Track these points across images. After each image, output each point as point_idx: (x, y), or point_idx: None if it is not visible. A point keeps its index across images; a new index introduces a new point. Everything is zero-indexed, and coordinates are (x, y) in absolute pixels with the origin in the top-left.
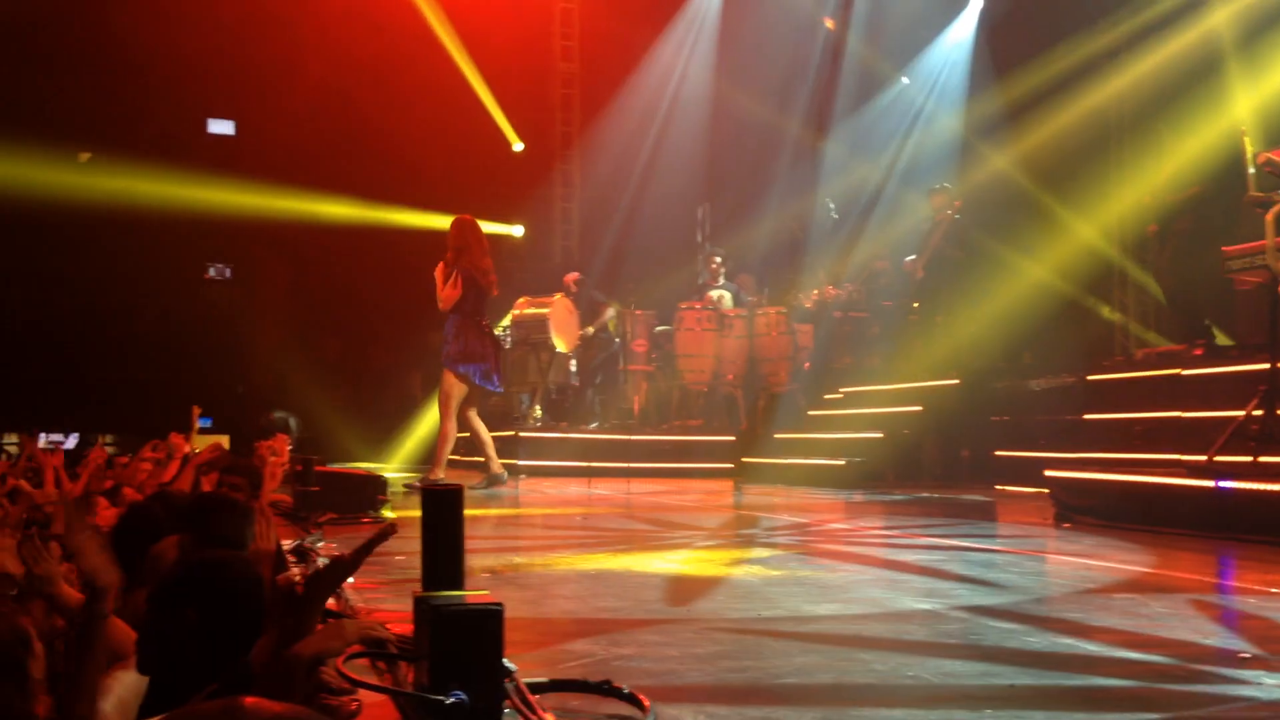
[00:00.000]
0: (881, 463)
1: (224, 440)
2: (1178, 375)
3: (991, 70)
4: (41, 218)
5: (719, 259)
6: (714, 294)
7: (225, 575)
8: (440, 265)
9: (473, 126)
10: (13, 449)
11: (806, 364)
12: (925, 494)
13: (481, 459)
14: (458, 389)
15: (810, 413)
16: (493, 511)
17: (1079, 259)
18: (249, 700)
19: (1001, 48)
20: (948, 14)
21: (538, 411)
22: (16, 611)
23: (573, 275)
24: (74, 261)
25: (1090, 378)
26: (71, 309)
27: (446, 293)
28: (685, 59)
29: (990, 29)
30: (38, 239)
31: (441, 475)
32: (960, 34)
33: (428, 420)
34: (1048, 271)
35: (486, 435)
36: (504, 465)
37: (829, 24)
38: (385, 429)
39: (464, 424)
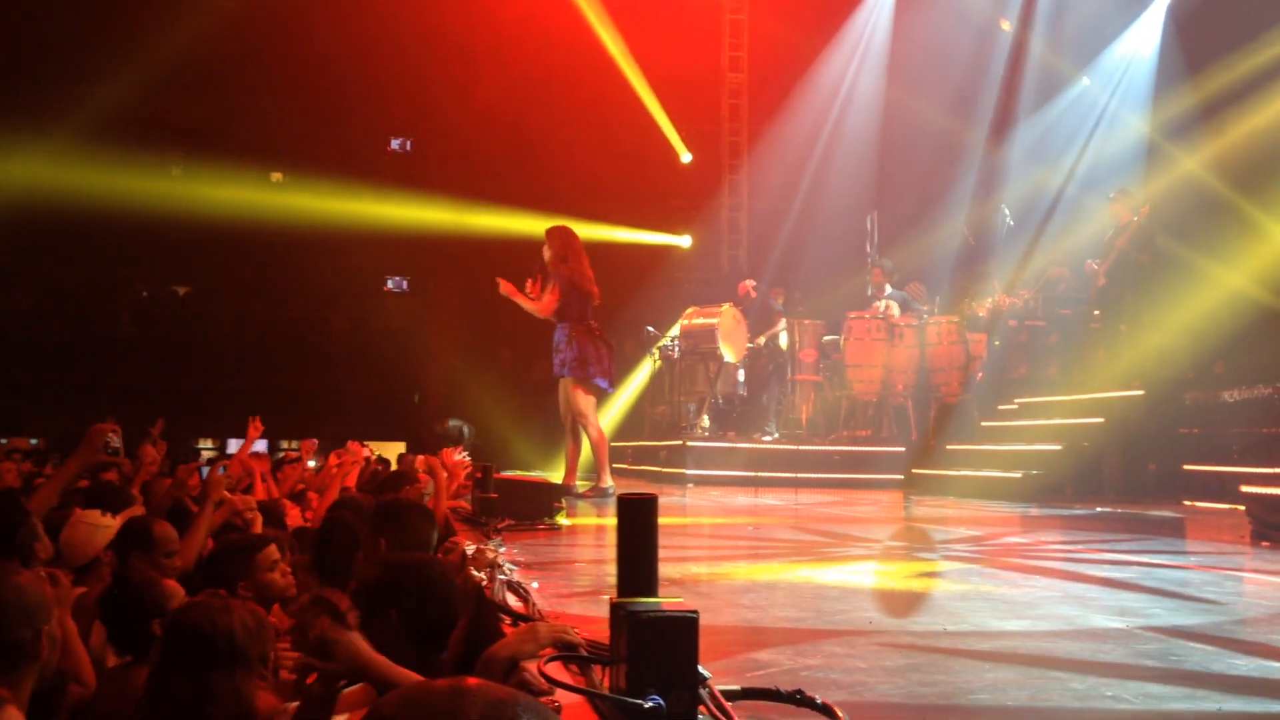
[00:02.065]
0: (1060, 476)
1: (400, 447)
2: None
3: (1182, 67)
4: (237, 235)
5: (881, 270)
6: (880, 304)
7: (423, 576)
8: (539, 272)
9: (642, 138)
10: (208, 453)
11: (980, 374)
12: (1108, 509)
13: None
14: (588, 399)
15: (984, 424)
16: (661, 520)
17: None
18: (474, 681)
19: (1193, 43)
20: (1132, 10)
21: (705, 421)
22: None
23: (750, 282)
24: (265, 275)
25: None
26: (261, 320)
27: (545, 300)
28: (856, 66)
29: (1180, 24)
30: (233, 255)
31: (610, 482)
32: (1146, 30)
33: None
34: (1243, 278)
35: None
36: (672, 474)
37: (1005, 25)
38: (554, 438)
39: (574, 431)
